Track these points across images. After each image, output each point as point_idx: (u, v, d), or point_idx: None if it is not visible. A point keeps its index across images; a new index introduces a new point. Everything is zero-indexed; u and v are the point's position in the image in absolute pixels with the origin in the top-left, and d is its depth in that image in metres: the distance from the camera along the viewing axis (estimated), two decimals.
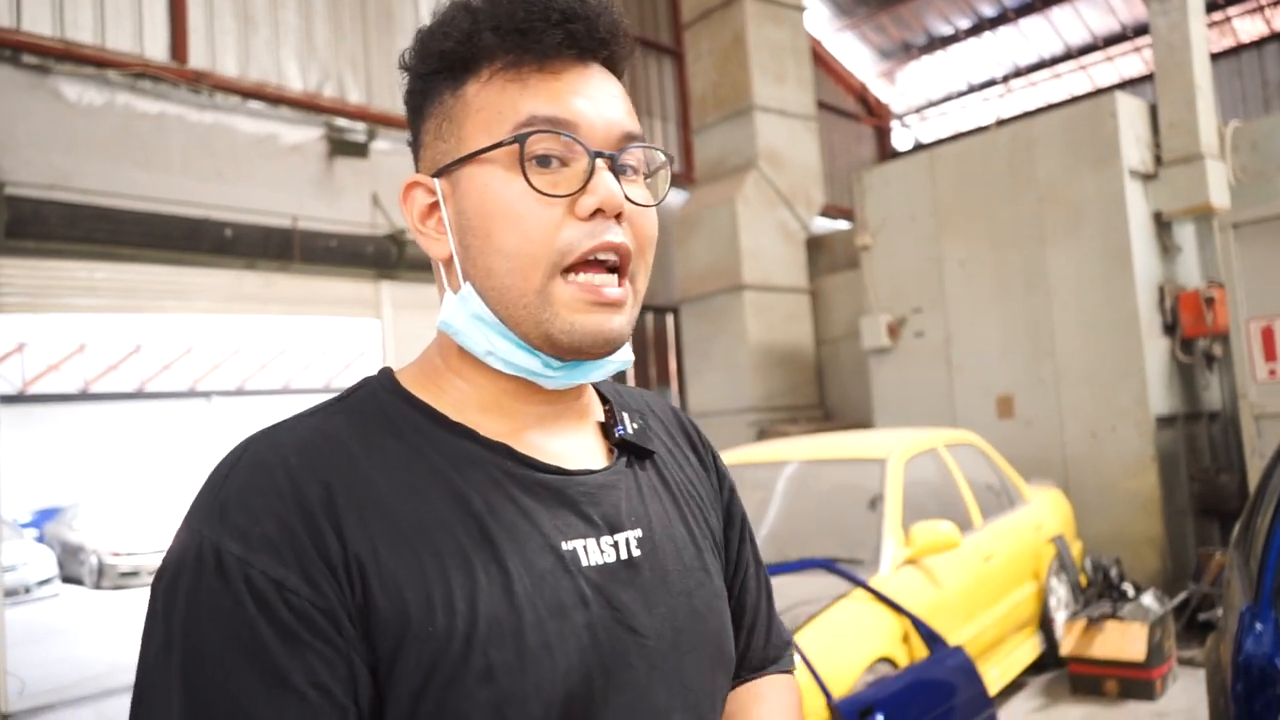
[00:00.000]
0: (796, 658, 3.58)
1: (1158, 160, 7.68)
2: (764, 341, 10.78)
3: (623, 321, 0.88)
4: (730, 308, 10.71)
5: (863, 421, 9.83)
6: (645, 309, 12.70)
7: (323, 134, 9.25)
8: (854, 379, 10.55)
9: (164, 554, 0.79)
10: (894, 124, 18.40)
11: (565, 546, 0.84)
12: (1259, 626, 2.97)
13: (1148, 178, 7.65)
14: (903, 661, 4.10)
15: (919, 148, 17.77)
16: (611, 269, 0.86)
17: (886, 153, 17.70)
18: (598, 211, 0.83)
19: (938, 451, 5.65)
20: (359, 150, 9.30)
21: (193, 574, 0.74)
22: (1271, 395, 6.30)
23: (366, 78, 9.96)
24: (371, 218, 9.56)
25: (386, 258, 9.29)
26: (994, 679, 5.20)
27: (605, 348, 0.87)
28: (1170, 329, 7.57)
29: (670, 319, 12.80)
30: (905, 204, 8.86)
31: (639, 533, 0.90)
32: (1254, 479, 6.36)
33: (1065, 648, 5.67)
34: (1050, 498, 6.71)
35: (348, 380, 23.48)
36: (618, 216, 0.85)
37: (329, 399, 0.89)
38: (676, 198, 12.98)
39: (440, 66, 0.88)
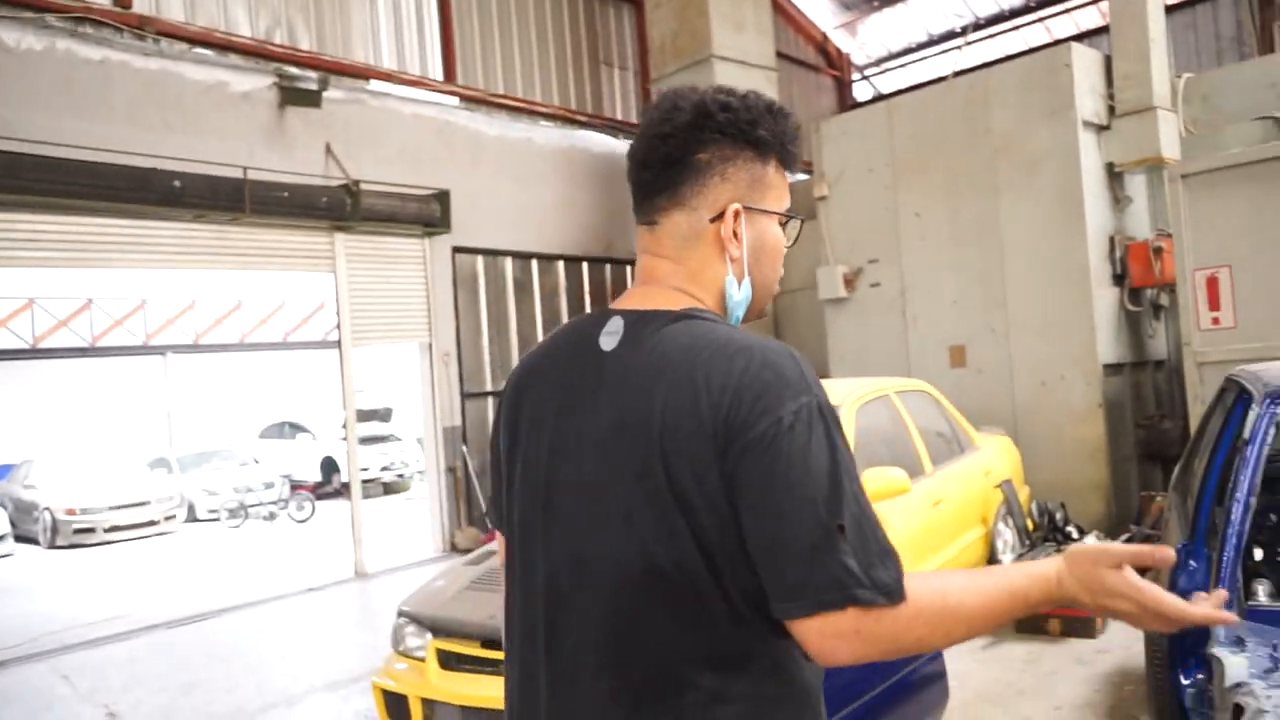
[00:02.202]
0: None
1: (1111, 111, 7.75)
2: None
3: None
4: None
5: (819, 372, 9.83)
6: (606, 261, 12.69)
7: (273, 82, 9.06)
8: (811, 330, 10.61)
9: (796, 400, 1.21)
10: (855, 76, 18.33)
11: None
12: (1192, 564, 3.06)
13: (1101, 129, 7.72)
14: None
15: (879, 99, 17.77)
16: None
17: (847, 104, 17.65)
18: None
19: (890, 398, 5.73)
20: (311, 99, 9.12)
21: (825, 414, 1.23)
22: (1214, 343, 6.44)
23: (317, 24, 9.74)
24: (325, 168, 9.41)
25: (341, 209, 9.17)
26: None
27: (759, 315, 1.51)
28: (1119, 279, 7.70)
29: (629, 270, 12.78)
30: (863, 155, 8.88)
31: None
32: (1196, 425, 6.53)
33: None
34: (999, 444, 6.84)
35: (307, 334, 23.28)
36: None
37: (721, 322, 1.36)
38: None
39: (753, 145, 1.40)
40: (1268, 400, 2.69)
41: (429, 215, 10.23)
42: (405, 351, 11.35)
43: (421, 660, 4.03)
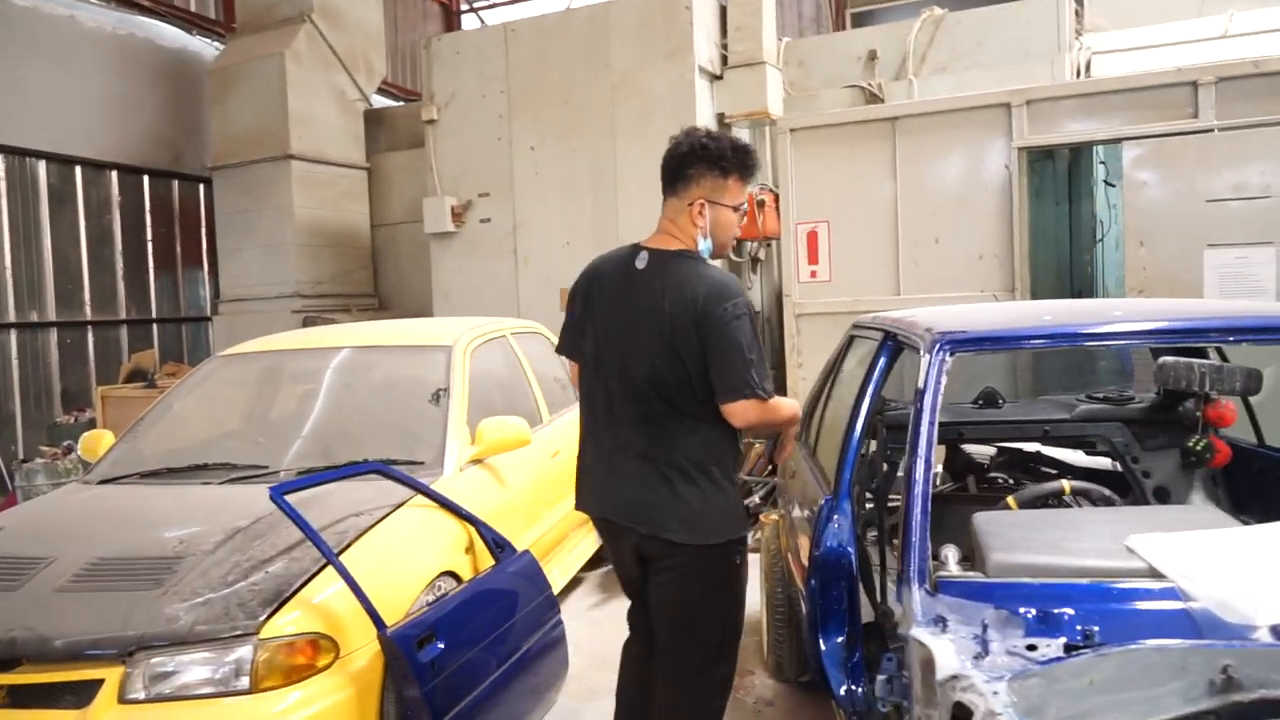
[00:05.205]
0: (342, 585, 2.91)
1: (724, 61, 7.77)
2: (314, 220, 9.68)
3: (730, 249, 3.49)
4: (275, 179, 9.44)
5: (422, 313, 9.19)
6: (174, 176, 10.90)
7: None
8: (414, 268, 9.85)
9: (725, 312, 2.57)
10: (464, 7, 17.52)
11: None
12: (837, 518, 2.85)
13: (715, 78, 7.72)
14: (467, 574, 3.61)
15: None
16: None
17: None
18: (739, 225, 2.85)
19: (507, 340, 5.20)
20: None
21: (747, 310, 2.62)
22: (811, 295, 6.68)
23: None
24: None
25: None
26: (555, 579, 4.94)
27: (723, 256, 3.16)
28: None
29: (202, 189, 11.06)
30: (477, 80, 8.22)
31: None
32: (791, 373, 6.74)
33: None
34: None
35: None
36: (743, 225, 3.11)
37: (700, 264, 2.71)
38: (208, 47, 11.16)
39: (719, 168, 2.67)
40: (937, 346, 2.47)
41: None
42: None
43: None
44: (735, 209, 2.70)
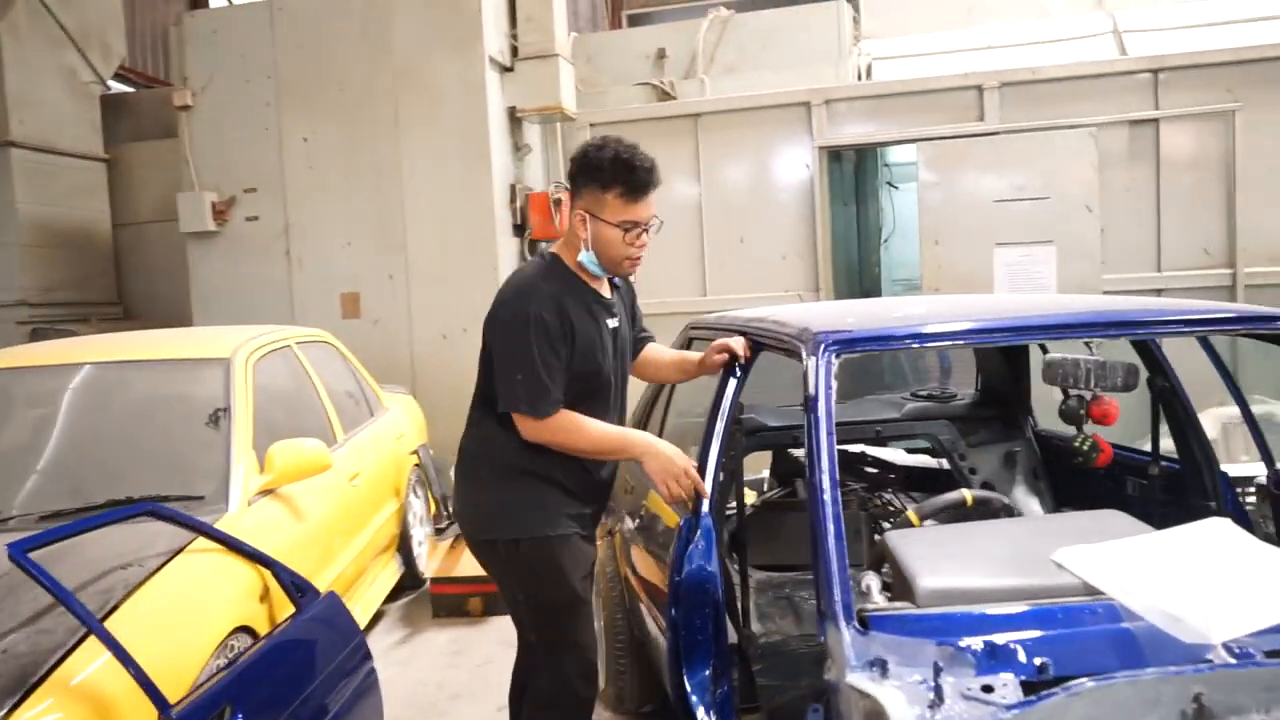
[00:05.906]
0: (109, 658, 2.34)
1: (514, 53, 7.38)
2: (41, 218, 8.50)
3: (632, 270, 2.73)
4: None
5: (176, 323, 8.20)
6: None
7: None
8: (166, 273, 8.82)
9: (504, 318, 2.57)
10: None
11: (608, 324, 2.70)
12: (699, 538, 2.60)
13: (505, 70, 7.31)
14: (264, 627, 3.06)
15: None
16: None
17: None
18: (637, 245, 2.62)
19: (292, 350, 4.61)
20: None
21: (532, 320, 2.49)
22: None
23: None
24: None
25: None
26: (359, 617, 4.41)
27: (621, 274, 2.76)
28: (520, 229, 7.42)
29: None
30: (239, 63, 7.42)
31: (618, 318, 2.75)
32: None
33: (431, 569, 5.13)
34: (405, 405, 6.10)
35: None
36: (641, 245, 2.63)
37: (534, 268, 2.72)
38: None
39: (598, 181, 2.53)
40: (823, 348, 2.23)
41: None
42: None
43: None
44: (619, 226, 2.51)
